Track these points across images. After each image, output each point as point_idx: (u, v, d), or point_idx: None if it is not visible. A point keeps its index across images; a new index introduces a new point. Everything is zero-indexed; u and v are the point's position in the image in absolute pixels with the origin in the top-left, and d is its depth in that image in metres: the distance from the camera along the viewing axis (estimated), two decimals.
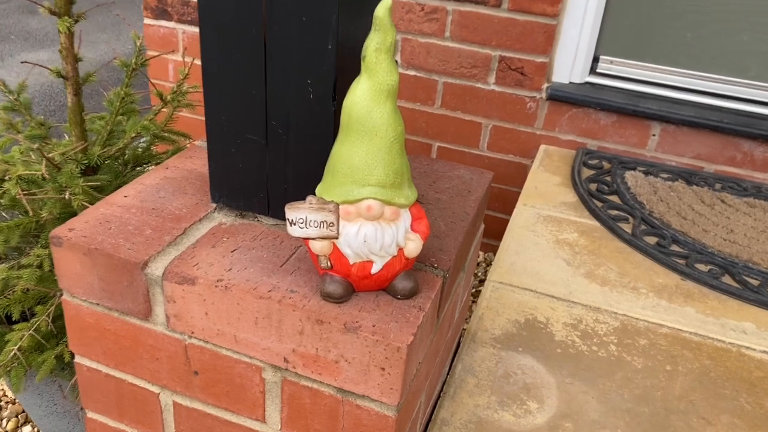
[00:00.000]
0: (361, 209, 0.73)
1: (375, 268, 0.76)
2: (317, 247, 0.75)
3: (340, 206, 0.74)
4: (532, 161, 2.02)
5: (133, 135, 1.20)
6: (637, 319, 1.33)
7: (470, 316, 1.32)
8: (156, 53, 2.33)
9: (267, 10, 0.76)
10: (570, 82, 1.95)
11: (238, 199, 0.90)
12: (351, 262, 0.76)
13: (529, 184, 1.79)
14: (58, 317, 1.12)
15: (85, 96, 1.22)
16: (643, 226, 1.62)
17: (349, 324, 0.74)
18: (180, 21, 2.26)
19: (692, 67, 1.87)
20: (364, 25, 0.79)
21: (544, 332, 1.27)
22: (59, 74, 1.10)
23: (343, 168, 0.73)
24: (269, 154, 0.85)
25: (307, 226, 0.74)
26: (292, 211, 0.75)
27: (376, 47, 0.69)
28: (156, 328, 0.86)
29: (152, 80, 2.39)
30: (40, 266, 1.12)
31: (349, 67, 0.80)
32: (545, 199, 1.72)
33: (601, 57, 1.95)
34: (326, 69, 0.77)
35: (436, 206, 0.99)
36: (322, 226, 0.74)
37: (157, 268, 0.81)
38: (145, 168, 1.31)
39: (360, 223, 0.74)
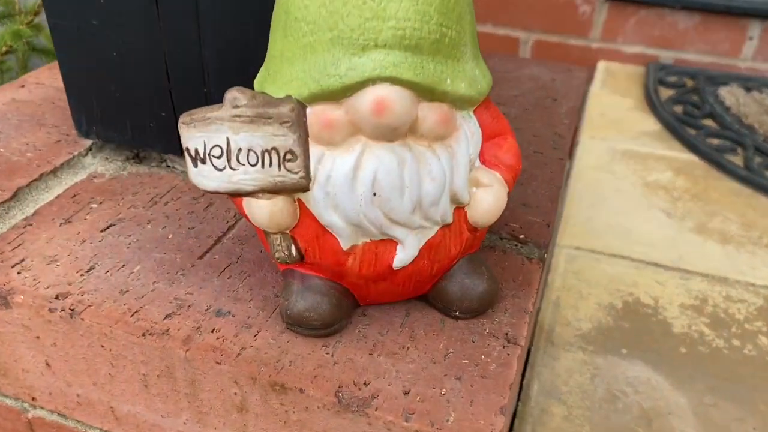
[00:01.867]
0: (362, 111, 0.29)
1: (403, 256, 0.32)
2: (263, 213, 0.31)
3: (310, 109, 0.30)
4: (588, 84, 1.55)
5: (4, 50, 0.75)
6: None
7: (540, 301, 0.89)
8: None
9: None
10: None
11: (121, 125, 0.46)
12: (345, 247, 0.32)
13: (592, 109, 1.33)
14: None
15: None
16: (759, 158, 1.17)
17: (349, 391, 0.31)
18: None
19: None
20: None
21: (654, 321, 0.84)
22: None
23: (310, 5, 0.28)
24: (164, 16, 0.41)
25: (233, 162, 0.31)
26: (195, 129, 0.31)
27: None
28: None
29: None
30: None
31: None
32: (618, 129, 1.27)
33: None
34: None
35: None
36: (267, 161, 0.30)
37: None
38: None
39: (360, 149, 0.30)
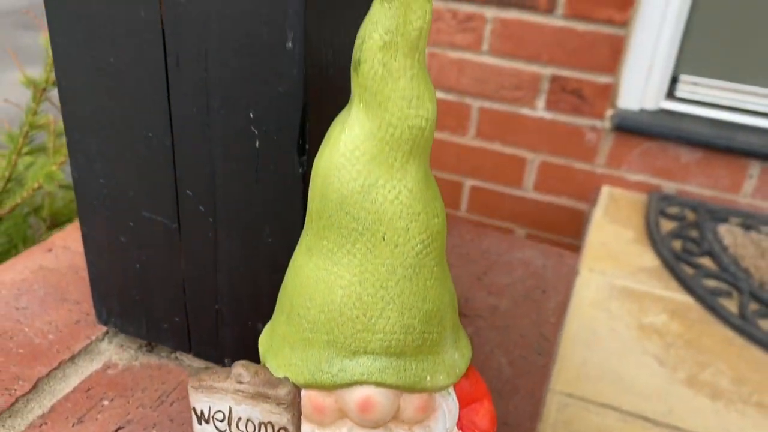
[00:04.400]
0: (350, 405, 0.32)
1: None
2: None
3: (304, 393, 0.33)
4: (590, 206, 1.61)
5: (36, 186, 0.81)
6: None
7: None
8: None
9: None
10: (641, 109, 1.54)
11: (137, 323, 0.50)
12: None
13: (594, 239, 1.37)
14: None
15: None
16: (754, 305, 1.19)
17: None
18: None
19: None
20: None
21: None
22: None
23: (311, 310, 0.33)
24: (185, 247, 0.45)
25: (233, 427, 0.34)
26: (201, 395, 0.34)
27: (384, 40, 0.29)
28: None
29: None
30: None
31: (336, 87, 0.40)
32: (618, 263, 1.30)
33: (682, 77, 1.53)
34: (285, 91, 0.37)
35: (491, 323, 0.58)
36: (262, 430, 0.34)
37: None
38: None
39: (347, 431, 0.33)
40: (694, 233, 1.40)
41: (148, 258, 0.47)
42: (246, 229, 0.42)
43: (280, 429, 0.34)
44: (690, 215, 1.47)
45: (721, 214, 1.46)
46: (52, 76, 0.86)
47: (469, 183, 1.75)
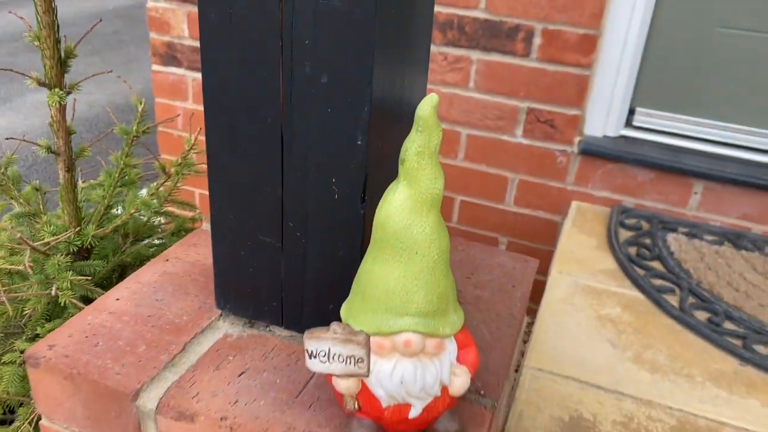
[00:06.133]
0: (398, 344, 0.59)
1: (414, 412, 0.62)
2: (343, 386, 0.61)
3: (372, 338, 0.60)
4: (563, 218, 1.88)
5: (132, 211, 1.07)
6: (695, 415, 1.17)
7: (508, 413, 1.17)
8: (164, 101, 2.23)
9: (285, 97, 0.64)
10: (604, 136, 1.82)
11: (246, 307, 0.77)
12: (384, 405, 0.62)
13: (564, 247, 1.65)
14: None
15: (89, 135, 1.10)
16: (691, 299, 1.47)
17: None
18: (190, 68, 2.16)
19: (737, 121, 1.74)
20: (403, 123, 0.66)
21: None
22: (49, 150, 0.98)
23: (376, 292, 0.60)
24: (285, 258, 0.72)
25: (331, 360, 0.61)
26: (313, 341, 0.61)
27: (417, 150, 0.56)
28: None
29: (160, 128, 2.29)
30: (23, 363, 0.99)
31: (383, 164, 0.67)
32: (582, 266, 1.58)
33: (638, 109, 1.82)
34: (354, 167, 0.64)
35: (476, 307, 0.85)
36: (348, 361, 0.60)
37: (150, 399, 0.68)
38: (146, 243, 1.18)
39: (396, 360, 0.60)
40: (647, 241, 1.68)
41: (258, 265, 0.73)
42: (325, 246, 0.69)
43: (358, 359, 0.60)
44: (645, 225, 1.75)
45: (671, 225, 1.74)
46: (140, 126, 1.12)
47: (459, 198, 2.02)
